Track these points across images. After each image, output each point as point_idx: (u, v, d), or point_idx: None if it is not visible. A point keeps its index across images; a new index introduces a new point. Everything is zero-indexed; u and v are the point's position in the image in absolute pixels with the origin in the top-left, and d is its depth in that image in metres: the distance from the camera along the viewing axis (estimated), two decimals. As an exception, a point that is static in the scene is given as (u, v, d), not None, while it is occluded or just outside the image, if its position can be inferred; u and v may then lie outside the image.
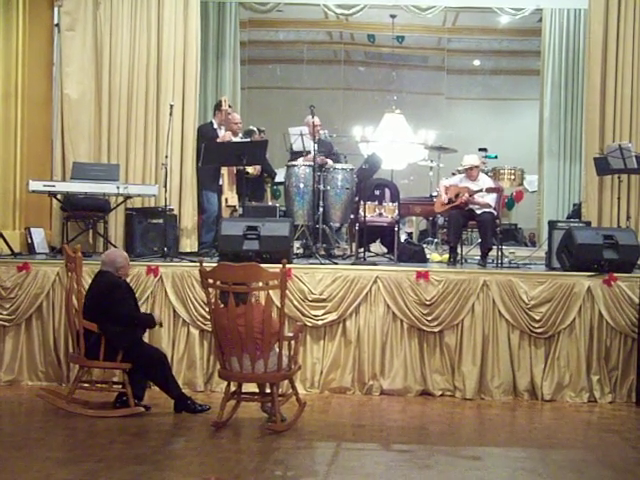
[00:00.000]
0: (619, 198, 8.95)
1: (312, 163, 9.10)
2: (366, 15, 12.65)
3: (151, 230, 9.02)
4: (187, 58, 9.47)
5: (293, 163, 9.38)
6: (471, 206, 9.00)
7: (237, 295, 5.99)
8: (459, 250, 9.12)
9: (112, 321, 6.44)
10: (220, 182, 9.53)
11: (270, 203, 10.93)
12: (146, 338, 7.03)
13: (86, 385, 6.73)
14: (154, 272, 7.69)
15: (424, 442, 6.05)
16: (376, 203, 9.31)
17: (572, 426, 6.78)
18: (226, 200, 9.56)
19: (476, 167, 9.23)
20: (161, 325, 7.10)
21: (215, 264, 6.46)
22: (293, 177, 9.23)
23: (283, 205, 10.03)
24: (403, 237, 10.83)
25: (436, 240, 11.04)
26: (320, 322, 7.59)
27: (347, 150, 11.22)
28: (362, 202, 8.93)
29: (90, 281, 6.88)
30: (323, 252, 8.86)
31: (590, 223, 9.13)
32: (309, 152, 9.63)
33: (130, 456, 5.40)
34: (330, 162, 9.74)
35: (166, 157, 8.67)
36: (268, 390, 6.33)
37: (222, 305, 6.08)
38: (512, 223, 14.23)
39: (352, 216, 9.35)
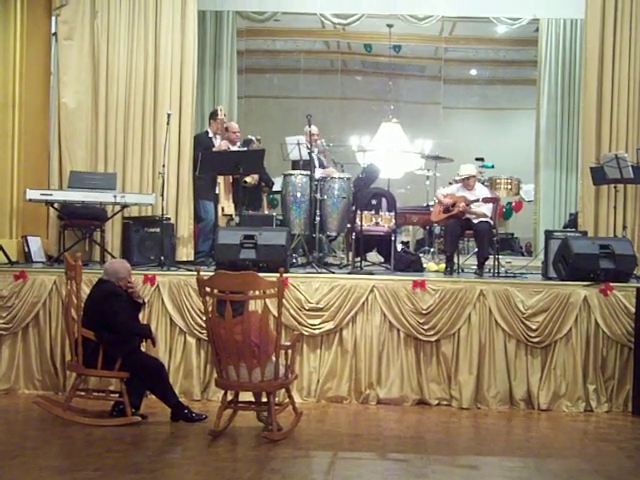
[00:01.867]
0: (615, 208, 8.99)
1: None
2: (363, 25, 12.69)
3: (148, 239, 9.03)
4: (184, 67, 9.50)
5: (290, 172, 9.39)
6: (468, 215, 9.02)
7: (234, 307, 5.97)
8: (456, 259, 9.13)
9: (109, 330, 6.43)
10: (217, 191, 9.55)
11: (267, 212, 10.93)
12: (142, 347, 7.01)
13: (82, 393, 6.73)
14: (151, 281, 7.69)
15: (420, 451, 6.02)
16: (373, 212, 9.36)
17: (568, 435, 6.78)
18: (222, 209, 9.59)
19: (473, 177, 9.25)
20: (154, 343, 7.01)
21: (212, 273, 6.45)
22: (290, 186, 9.23)
23: (280, 214, 10.04)
24: (399, 246, 10.84)
25: (433, 249, 11.05)
26: (317, 331, 7.59)
27: (344, 159, 11.20)
28: (359, 211, 8.95)
29: (88, 289, 6.89)
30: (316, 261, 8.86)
31: (586, 233, 9.13)
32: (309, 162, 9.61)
33: (127, 465, 5.39)
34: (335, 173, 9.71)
35: (163, 166, 8.67)
36: (265, 399, 6.32)
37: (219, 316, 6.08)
38: (509, 233, 14.21)
39: (349, 225, 9.36)
